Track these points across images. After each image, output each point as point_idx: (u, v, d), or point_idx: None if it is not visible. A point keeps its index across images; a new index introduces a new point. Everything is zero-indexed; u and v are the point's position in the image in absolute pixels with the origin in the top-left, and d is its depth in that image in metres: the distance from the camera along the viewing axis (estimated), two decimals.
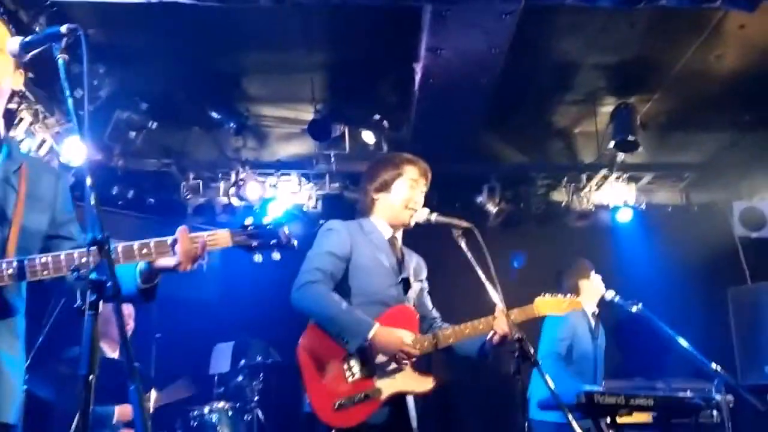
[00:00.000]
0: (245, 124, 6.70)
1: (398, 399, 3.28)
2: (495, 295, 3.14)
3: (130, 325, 5.38)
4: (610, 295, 5.45)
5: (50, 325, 4.49)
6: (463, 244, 3.25)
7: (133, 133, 6.45)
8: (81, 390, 1.55)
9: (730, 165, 7.33)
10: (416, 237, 3.70)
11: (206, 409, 4.79)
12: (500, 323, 3.24)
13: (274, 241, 2.33)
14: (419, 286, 3.65)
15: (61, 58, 1.96)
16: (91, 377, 1.54)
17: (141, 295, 2.28)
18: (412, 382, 3.30)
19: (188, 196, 7.19)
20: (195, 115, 6.77)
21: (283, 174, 7.27)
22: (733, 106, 6.54)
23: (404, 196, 3.53)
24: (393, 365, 3.24)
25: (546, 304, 3.59)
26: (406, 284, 3.51)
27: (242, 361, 5.57)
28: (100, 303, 1.61)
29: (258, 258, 2.34)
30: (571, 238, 7.43)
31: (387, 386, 3.23)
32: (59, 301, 4.57)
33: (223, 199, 7.17)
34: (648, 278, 6.81)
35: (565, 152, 7.44)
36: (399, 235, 3.63)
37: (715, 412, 4.86)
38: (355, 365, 3.22)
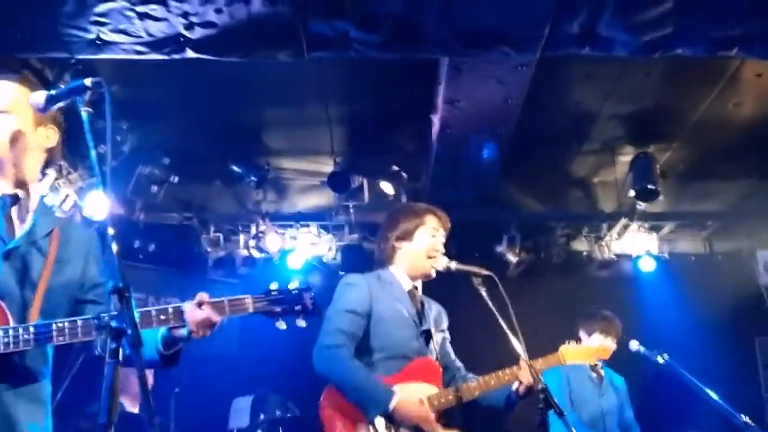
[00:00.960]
0: (265, 177, 6.75)
1: None
2: (517, 345, 3.10)
3: (150, 380, 5.36)
4: (634, 346, 5.34)
5: (71, 378, 4.48)
6: (483, 293, 3.22)
7: (155, 188, 6.53)
8: None
9: (752, 213, 7.26)
10: (436, 286, 3.68)
11: None
12: (525, 373, 3.19)
13: (298, 307, 2.32)
14: (441, 336, 3.61)
15: (84, 111, 1.99)
16: (110, 427, 1.52)
17: (163, 361, 2.27)
18: None
19: (209, 250, 7.23)
20: (216, 168, 6.85)
21: (302, 226, 7.31)
22: (754, 154, 6.51)
23: (426, 245, 3.51)
24: None
25: (571, 353, 3.54)
26: (427, 336, 3.47)
27: (261, 416, 5.50)
28: (120, 351, 1.60)
29: (282, 325, 2.31)
30: (592, 288, 7.35)
31: None
32: (79, 355, 4.56)
33: (243, 252, 7.20)
34: (672, 329, 6.68)
35: (585, 201, 7.43)
36: (419, 285, 3.60)
37: None
38: (379, 423, 3.15)
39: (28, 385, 2.12)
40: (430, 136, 5.92)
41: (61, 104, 2.10)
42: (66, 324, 2.05)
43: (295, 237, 7.26)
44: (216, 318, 2.20)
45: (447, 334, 3.66)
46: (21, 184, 2.26)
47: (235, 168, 6.65)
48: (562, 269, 7.49)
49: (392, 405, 3.09)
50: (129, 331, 1.59)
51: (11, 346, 2.01)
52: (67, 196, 5.63)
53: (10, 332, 2.02)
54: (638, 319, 5.88)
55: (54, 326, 2.05)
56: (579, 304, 6.41)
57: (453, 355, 3.65)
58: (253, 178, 6.66)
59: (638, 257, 7.28)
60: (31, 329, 2.04)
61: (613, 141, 6.52)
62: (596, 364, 5.34)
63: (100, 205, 5.56)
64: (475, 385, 3.33)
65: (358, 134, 6.46)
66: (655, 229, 7.39)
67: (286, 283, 2.35)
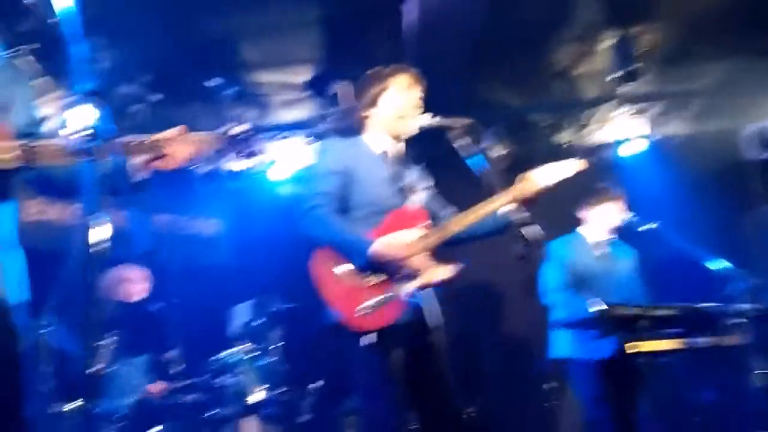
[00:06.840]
0: (244, 90, 6.70)
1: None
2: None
3: (147, 288, 5.42)
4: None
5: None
6: (466, 143, 3.26)
7: (135, 107, 6.46)
8: None
9: (740, 90, 7.14)
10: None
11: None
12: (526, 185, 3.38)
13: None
14: (425, 192, 3.64)
15: None
16: None
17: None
18: (432, 273, 3.28)
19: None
20: (194, 86, 6.74)
21: (285, 138, 7.30)
22: (742, 30, 6.35)
23: (393, 109, 3.53)
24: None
25: (539, 173, 3.58)
26: (409, 192, 3.49)
27: (260, 314, 5.56)
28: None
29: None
30: (577, 176, 7.33)
31: (408, 283, 3.22)
32: None
33: (230, 166, 7.16)
34: (660, 209, 6.70)
35: (567, 93, 7.35)
36: (397, 146, 3.61)
37: (738, 322, 4.75)
38: (370, 271, 3.21)
39: None
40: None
41: None
42: None
43: (279, 150, 7.25)
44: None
45: (433, 190, 3.68)
46: None
47: (211, 83, 6.54)
48: (546, 161, 7.43)
49: (372, 249, 3.14)
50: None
51: None
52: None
53: None
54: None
55: None
56: (566, 193, 6.42)
57: (444, 203, 3.69)
58: (231, 91, 6.56)
59: (623, 141, 7.30)
60: None
61: (594, 26, 6.36)
62: (601, 241, 5.39)
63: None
64: (461, 217, 3.35)
65: (333, 39, 6.37)
66: (640, 112, 7.36)
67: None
